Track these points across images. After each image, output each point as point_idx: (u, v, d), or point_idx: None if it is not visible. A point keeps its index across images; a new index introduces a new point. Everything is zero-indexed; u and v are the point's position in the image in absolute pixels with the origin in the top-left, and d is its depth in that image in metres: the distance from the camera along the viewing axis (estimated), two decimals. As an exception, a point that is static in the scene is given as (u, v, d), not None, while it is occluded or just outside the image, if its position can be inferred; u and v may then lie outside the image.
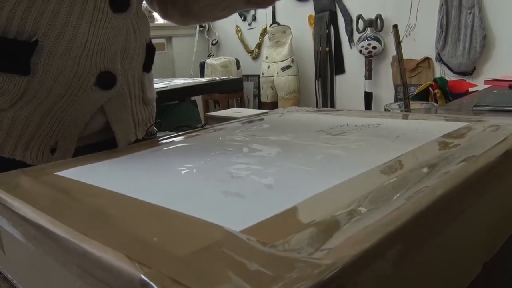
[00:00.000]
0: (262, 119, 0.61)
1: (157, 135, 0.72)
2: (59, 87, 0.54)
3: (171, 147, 0.49)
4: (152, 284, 0.20)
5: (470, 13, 2.91)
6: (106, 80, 0.57)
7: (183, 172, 0.37)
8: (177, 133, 0.57)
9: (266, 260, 0.21)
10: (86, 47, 0.54)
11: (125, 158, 0.46)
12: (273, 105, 3.79)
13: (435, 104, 0.74)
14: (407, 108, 0.71)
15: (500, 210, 0.39)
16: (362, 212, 0.26)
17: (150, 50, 0.66)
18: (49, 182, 0.39)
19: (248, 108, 4.08)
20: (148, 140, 0.56)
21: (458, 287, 0.32)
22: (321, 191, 0.30)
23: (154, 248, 0.24)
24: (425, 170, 0.33)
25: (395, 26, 0.71)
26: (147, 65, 0.66)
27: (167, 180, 0.36)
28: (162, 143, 0.51)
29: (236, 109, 3.45)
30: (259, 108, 4.03)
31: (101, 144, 0.60)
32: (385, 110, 0.71)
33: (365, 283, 0.21)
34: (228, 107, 3.87)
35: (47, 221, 0.30)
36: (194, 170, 0.38)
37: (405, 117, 0.57)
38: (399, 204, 0.27)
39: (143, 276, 0.21)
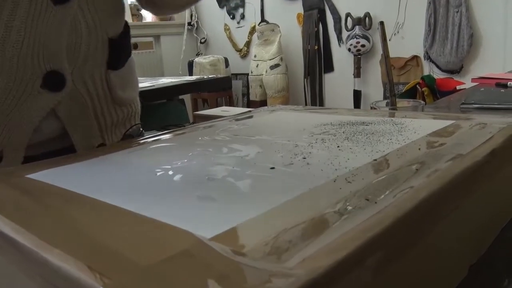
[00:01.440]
0: (246, 118, 0.59)
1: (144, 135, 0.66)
2: None
3: (150, 147, 0.47)
4: (112, 298, 0.19)
5: (457, 12, 2.92)
6: (54, 81, 0.51)
7: (158, 174, 0.36)
8: (163, 131, 0.54)
9: (235, 271, 0.19)
10: (23, 45, 0.48)
11: (102, 159, 0.44)
12: (262, 103, 3.77)
13: (422, 102, 0.73)
14: (393, 106, 0.70)
15: (487, 211, 0.38)
16: (342, 216, 0.25)
17: (115, 45, 0.59)
18: (17, 185, 0.37)
19: (237, 107, 4.06)
20: (126, 140, 0.54)
21: (443, 293, 0.31)
22: (299, 194, 0.28)
23: (117, 257, 0.22)
24: (410, 169, 0.32)
25: (382, 23, 0.70)
26: (113, 62, 0.59)
27: (140, 183, 0.34)
28: (141, 143, 0.49)
29: (224, 108, 3.44)
30: (248, 106, 4.01)
31: (58, 152, 0.53)
32: (371, 108, 0.69)
33: (342, 293, 0.20)
34: (217, 105, 3.85)
35: (11, 228, 0.28)
36: (170, 172, 0.36)
37: (391, 115, 0.55)
38: (381, 207, 0.25)
39: (102, 289, 0.19)
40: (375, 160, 0.35)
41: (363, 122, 0.50)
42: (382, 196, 0.27)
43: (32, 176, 0.39)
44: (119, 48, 0.60)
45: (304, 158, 0.37)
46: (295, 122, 0.54)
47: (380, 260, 0.23)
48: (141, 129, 0.69)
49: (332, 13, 3.60)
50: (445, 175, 0.31)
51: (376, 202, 0.26)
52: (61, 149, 0.55)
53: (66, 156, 0.47)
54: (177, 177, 0.34)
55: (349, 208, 0.26)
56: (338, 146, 0.40)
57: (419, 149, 0.37)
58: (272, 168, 0.34)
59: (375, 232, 0.22)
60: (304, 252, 0.21)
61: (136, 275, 0.20)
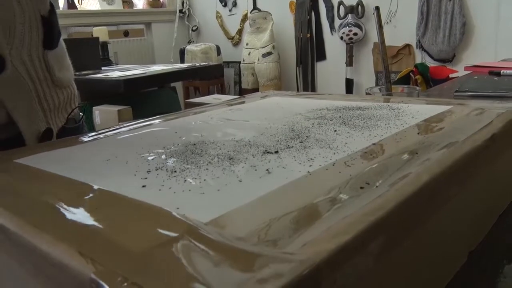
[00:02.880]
0: (239, 103, 0.58)
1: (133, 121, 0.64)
2: None
3: (142, 131, 0.46)
4: (103, 283, 0.18)
5: (450, 0, 2.90)
6: None
7: (150, 158, 0.35)
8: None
9: (234, 256, 0.19)
10: None
11: (91, 144, 0.43)
12: (254, 91, 3.73)
13: (417, 88, 0.72)
14: (388, 92, 0.69)
15: (486, 197, 0.37)
16: (342, 200, 0.24)
17: (48, 23, 0.56)
18: (5, 170, 0.36)
19: (229, 95, 4.03)
20: (122, 124, 0.52)
21: (444, 277, 0.30)
22: (297, 178, 0.27)
23: (109, 243, 0.21)
24: (410, 154, 0.31)
25: (377, 8, 0.69)
26: (47, 41, 0.56)
27: (132, 167, 0.33)
28: (132, 128, 0.48)
29: (216, 95, 3.41)
30: (240, 94, 3.98)
31: (5, 142, 0.50)
32: (367, 94, 0.69)
33: (344, 279, 0.19)
34: (208, 93, 3.82)
35: (-1, 213, 0.27)
36: (163, 156, 0.35)
37: (387, 100, 0.55)
38: (382, 191, 0.25)
39: (93, 275, 0.18)
40: (374, 144, 0.34)
41: (360, 107, 0.49)
42: (383, 180, 0.26)
43: (20, 160, 0.38)
44: (52, 26, 0.58)
45: (301, 142, 0.36)
46: (290, 107, 0.53)
47: (382, 245, 0.22)
48: (80, 113, 0.67)
49: (324, 1, 3.58)
50: (446, 160, 0.30)
51: (376, 186, 0.25)
52: (7, 138, 0.53)
53: (55, 140, 0.46)
54: (170, 161, 0.33)
55: (349, 192, 0.25)
56: (335, 131, 0.39)
57: (418, 133, 0.37)
58: (269, 152, 0.33)
59: (377, 216, 0.22)
60: (305, 237, 0.20)
61: (129, 261, 0.19)
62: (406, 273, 0.26)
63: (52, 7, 0.59)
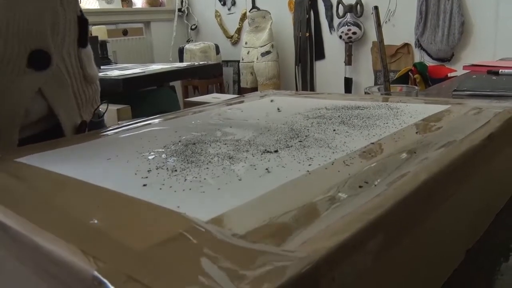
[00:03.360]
0: (238, 103, 0.58)
1: (133, 120, 0.67)
2: None
3: (142, 131, 0.46)
4: (106, 281, 0.18)
5: (449, 0, 2.91)
6: (39, 60, 0.52)
7: (150, 157, 0.35)
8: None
9: (234, 254, 0.19)
10: (10, 25, 0.48)
11: (92, 143, 0.43)
12: (253, 90, 3.75)
13: (416, 87, 0.73)
14: (387, 91, 0.69)
15: (483, 195, 0.38)
16: (341, 199, 0.24)
17: (83, 23, 0.61)
18: (6, 169, 0.36)
19: (228, 94, 4.03)
20: (122, 123, 0.53)
21: (442, 275, 0.30)
22: (296, 177, 0.28)
23: (111, 241, 0.21)
24: (408, 153, 0.31)
25: (376, 8, 0.69)
26: (82, 40, 0.61)
27: (132, 166, 0.33)
28: (133, 127, 0.48)
29: (215, 94, 3.42)
30: (239, 93, 3.99)
31: (45, 133, 0.54)
32: (365, 93, 0.69)
33: (343, 277, 0.19)
34: (207, 93, 3.82)
35: (0, 212, 0.27)
36: (163, 156, 0.35)
37: (386, 100, 0.55)
38: (380, 190, 0.25)
39: (96, 273, 0.19)
40: (373, 143, 0.34)
41: (358, 107, 0.49)
42: (381, 179, 0.27)
43: (21, 160, 0.38)
44: (85, 26, 0.62)
45: (300, 141, 0.36)
46: (289, 106, 0.53)
47: (381, 244, 0.22)
48: (106, 108, 0.71)
49: (323, 0, 3.58)
50: (444, 159, 0.30)
51: (375, 185, 0.26)
52: (47, 129, 0.57)
53: (55, 140, 0.46)
54: (170, 161, 0.34)
55: (348, 191, 0.25)
56: (334, 130, 0.39)
57: (417, 133, 0.37)
58: (268, 151, 0.34)
59: (375, 215, 0.22)
60: (304, 235, 0.20)
61: (131, 258, 0.19)
62: (404, 272, 0.26)
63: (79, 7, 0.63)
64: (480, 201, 0.37)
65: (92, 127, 0.64)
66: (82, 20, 0.61)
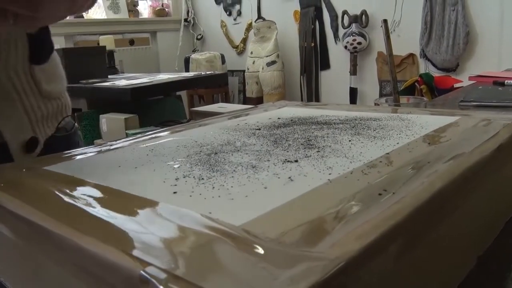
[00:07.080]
0: (251, 113, 0.60)
1: (142, 130, 0.66)
2: None
3: (162, 141, 0.48)
4: (153, 280, 0.20)
5: (453, 10, 2.93)
6: None
7: (176, 166, 0.37)
8: (162, 128, 0.55)
9: (269, 255, 0.21)
10: None
11: (112, 153, 0.45)
12: (258, 100, 3.78)
13: (425, 99, 0.74)
14: (396, 103, 0.71)
15: (494, 204, 0.39)
16: (363, 205, 0.26)
17: (35, 41, 0.59)
18: (39, 176, 0.38)
19: (233, 103, 4.06)
20: (138, 134, 0.54)
21: (454, 281, 0.32)
22: (319, 185, 0.30)
23: (153, 244, 0.23)
24: (422, 162, 0.33)
25: (385, 21, 0.71)
26: (35, 57, 0.59)
27: (160, 174, 0.35)
28: (150, 137, 0.50)
29: (221, 104, 3.43)
30: (244, 103, 4.01)
31: None
32: (375, 104, 0.71)
33: (368, 278, 0.21)
34: (213, 102, 3.85)
35: (40, 218, 0.29)
36: (188, 165, 0.37)
37: (395, 111, 0.57)
38: (399, 197, 0.27)
39: (142, 272, 0.20)
40: (388, 153, 0.36)
41: (370, 118, 0.51)
42: (399, 187, 0.28)
43: (49, 168, 0.40)
44: (39, 43, 0.60)
45: (318, 151, 0.38)
46: (302, 117, 0.55)
47: (400, 247, 0.24)
48: (74, 122, 0.70)
49: (328, 10, 3.61)
50: (456, 169, 0.32)
51: (393, 193, 0.27)
52: None
53: (75, 150, 0.48)
54: (196, 169, 0.35)
55: (369, 198, 0.27)
56: (349, 140, 0.41)
57: (429, 144, 0.39)
58: (289, 161, 0.36)
59: (396, 220, 0.24)
60: (332, 238, 0.22)
61: (174, 260, 0.21)
62: (420, 275, 0.28)
63: (45, 27, 0.62)
64: (490, 209, 0.38)
65: (58, 142, 0.63)
66: (34, 38, 0.59)
